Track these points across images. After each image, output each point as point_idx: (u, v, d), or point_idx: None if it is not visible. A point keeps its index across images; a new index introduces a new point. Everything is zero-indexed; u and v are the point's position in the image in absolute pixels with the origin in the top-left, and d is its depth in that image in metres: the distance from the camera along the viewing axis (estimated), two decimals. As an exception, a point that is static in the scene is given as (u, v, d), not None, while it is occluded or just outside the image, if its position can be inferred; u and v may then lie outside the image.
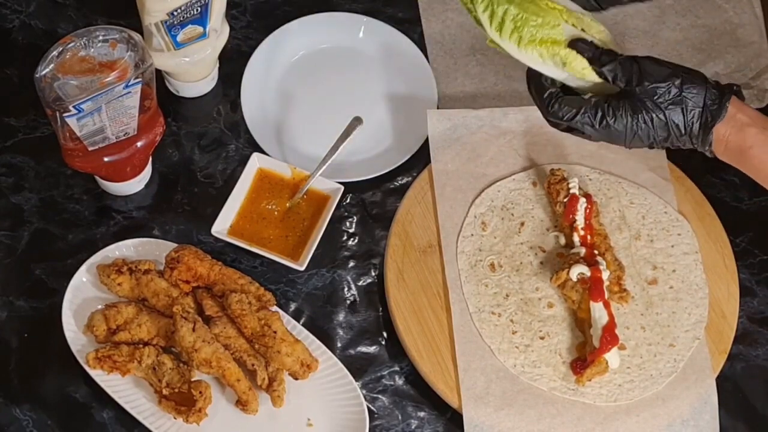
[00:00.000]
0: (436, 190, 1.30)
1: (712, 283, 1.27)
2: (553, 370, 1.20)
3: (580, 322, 1.22)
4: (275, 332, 1.16)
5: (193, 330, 1.14)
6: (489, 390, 1.18)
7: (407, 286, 1.24)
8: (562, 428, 1.18)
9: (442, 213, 1.29)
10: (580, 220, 1.25)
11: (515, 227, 1.29)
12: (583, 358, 1.19)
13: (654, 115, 1.03)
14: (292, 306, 1.25)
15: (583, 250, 1.23)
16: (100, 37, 1.12)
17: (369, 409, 1.18)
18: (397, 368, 1.23)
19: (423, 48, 1.44)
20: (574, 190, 1.26)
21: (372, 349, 1.24)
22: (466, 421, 1.17)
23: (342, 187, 1.27)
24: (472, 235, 1.28)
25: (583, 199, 1.25)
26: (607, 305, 1.19)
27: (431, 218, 1.29)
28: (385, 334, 1.25)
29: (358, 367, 1.22)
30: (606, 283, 1.20)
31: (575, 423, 1.18)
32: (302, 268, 1.23)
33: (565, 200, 1.26)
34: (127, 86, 1.12)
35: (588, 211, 1.25)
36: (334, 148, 1.29)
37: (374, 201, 1.33)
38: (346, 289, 1.27)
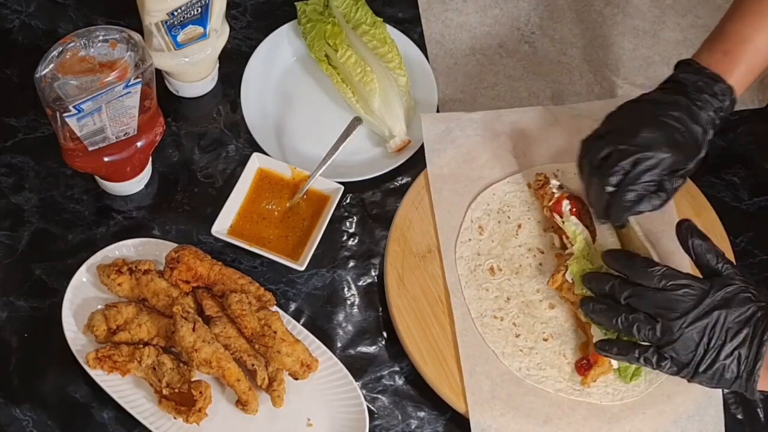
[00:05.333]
0: (432, 194, 1.29)
1: None
2: (559, 372, 1.20)
3: (582, 322, 1.22)
4: (275, 332, 1.16)
5: (193, 330, 1.14)
6: (495, 394, 1.18)
7: (408, 293, 1.24)
8: (569, 429, 1.17)
9: (439, 217, 1.28)
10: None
11: (512, 230, 1.29)
12: (588, 358, 1.19)
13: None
14: (292, 306, 1.25)
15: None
16: (100, 37, 1.12)
17: (369, 409, 1.18)
18: (397, 368, 1.23)
19: (423, 48, 1.44)
20: (556, 192, 1.25)
21: (372, 349, 1.24)
22: (474, 426, 1.16)
23: (342, 187, 1.27)
24: (470, 239, 1.27)
25: (566, 201, 1.24)
26: None
27: (429, 223, 1.28)
28: (385, 334, 1.25)
29: (358, 367, 1.22)
30: None
31: (582, 423, 1.18)
32: (302, 268, 1.23)
33: (551, 204, 1.25)
34: (127, 86, 1.12)
35: (573, 211, 1.24)
36: (334, 148, 1.29)
37: (374, 201, 1.33)
38: (346, 289, 1.27)
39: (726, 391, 1.22)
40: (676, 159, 1.11)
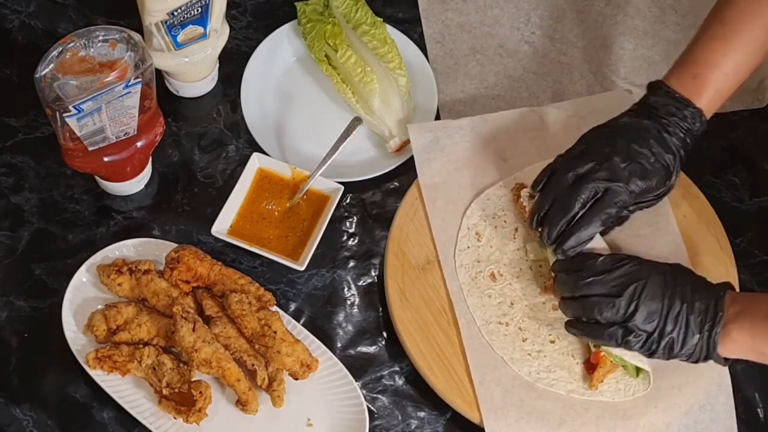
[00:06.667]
0: (426, 204, 1.28)
1: (711, 266, 1.27)
2: (569, 373, 1.20)
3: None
4: (275, 332, 1.16)
5: (193, 330, 1.14)
6: (507, 401, 1.18)
7: (411, 306, 1.23)
8: (583, 429, 1.17)
9: (435, 227, 1.27)
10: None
11: (509, 234, 1.28)
12: (590, 360, 1.19)
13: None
14: (292, 306, 1.25)
15: None
16: (100, 37, 1.12)
17: (369, 409, 1.18)
18: (397, 368, 1.23)
19: (423, 48, 1.44)
20: (527, 204, 1.24)
21: (372, 349, 1.24)
22: None
23: (342, 187, 1.27)
24: (468, 247, 1.27)
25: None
26: None
27: (426, 234, 1.27)
28: (385, 334, 1.25)
29: (358, 367, 1.22)
30: None
31: (596, 423, 1.17)
32: (302, 268, 1.23)
33: (526, 218, 1.24)
34: (127, 86, 1.12)
35: None
36: (334, 148, 1.29)
37: (374, 201, 1.33)
38: (346, 289, 1.27)
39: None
40: (646, 188, 1.15)
